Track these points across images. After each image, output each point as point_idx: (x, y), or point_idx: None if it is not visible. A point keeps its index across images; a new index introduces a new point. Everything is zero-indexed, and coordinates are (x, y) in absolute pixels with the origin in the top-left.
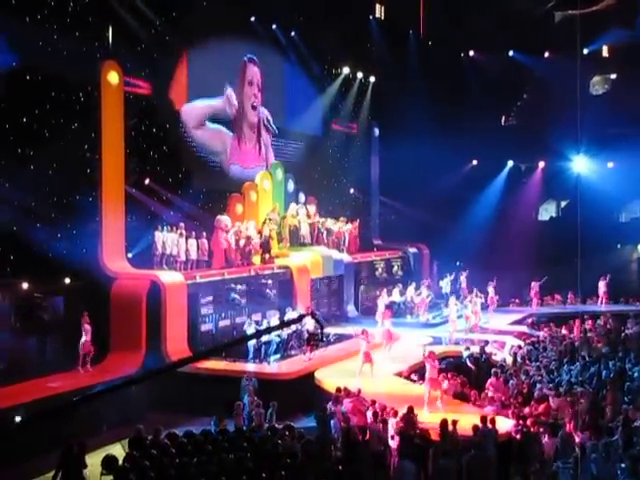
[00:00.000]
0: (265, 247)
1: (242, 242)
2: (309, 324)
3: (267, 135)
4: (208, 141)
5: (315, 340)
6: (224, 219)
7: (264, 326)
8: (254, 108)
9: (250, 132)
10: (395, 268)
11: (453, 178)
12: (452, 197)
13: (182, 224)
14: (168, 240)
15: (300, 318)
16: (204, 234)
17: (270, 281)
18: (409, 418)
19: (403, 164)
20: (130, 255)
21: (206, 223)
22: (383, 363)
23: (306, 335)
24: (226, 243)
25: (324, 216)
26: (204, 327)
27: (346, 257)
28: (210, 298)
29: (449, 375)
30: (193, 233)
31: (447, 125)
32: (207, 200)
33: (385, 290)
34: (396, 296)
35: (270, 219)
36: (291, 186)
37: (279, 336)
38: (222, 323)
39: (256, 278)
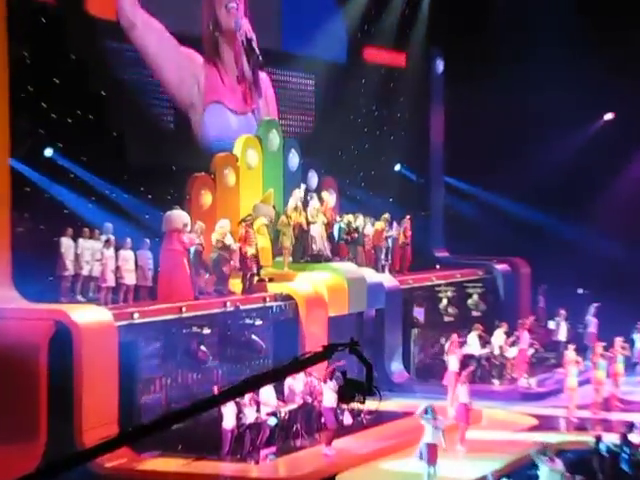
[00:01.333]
0: (247, 264)
1: (213, 256)
2: (328, 393)
3: (250, 66)
4: (175, 75)
5: (358, 393)
6: (179, 217)
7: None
8: (232, 17)
9: (230, 58)
10: (473, 299)
11: (571, 144)
12: (570, 177)
13: (109, 225)
14: (85, 253)
15: (328, 353)
16: (147, 243)
17: (259, 321)
18: None
19: (485, 121)
20: (24, 279)
21: (151, 224)
22: (454, 460)
23: (330, 404)
24: (184, 257)
25: (351, 211)
26: (147, 399)
27: (389, 280)
28: (157, 350)
29: None
30: (128, 241)
31: (560, 54)
32: (153, 184)
33: (457, 337)
34: (475, 346)
35: (257, 216)
36: (295, 160)
37: (274, 415)
38: (177, 393)
39: (235, 316)
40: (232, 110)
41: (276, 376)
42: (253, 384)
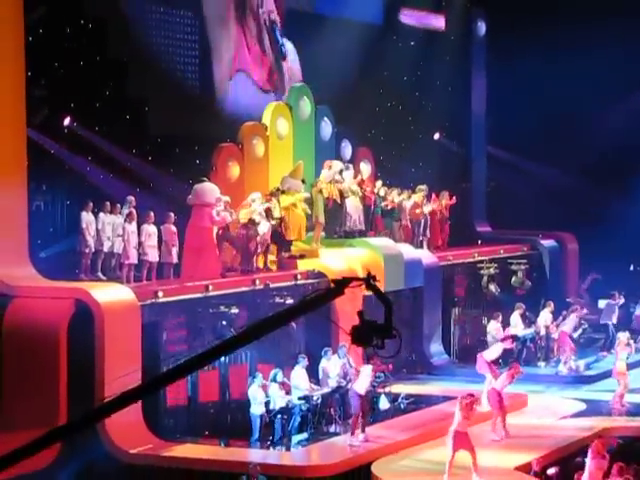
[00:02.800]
0: (279, 239)
1: (241, 232)
2: (363, 378)
3: (273, 52)
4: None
5: (375, 336)
6: (212, 191)
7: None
8: None
9: (253, 23)
10: (517, 276)
11: (626, 111)
12: (622, 146)
13: (131, 199)
14: (106, 228)
15: (339, 288)
16: (172, 217)
17: (290, 300)
18: None
19: (531, 88)
20: (43, 255)
21: (175, 197)
22: (496, 448)
23: (361, 389)
24: (213, 234)
25: (388, 184)
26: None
27: (427, 256)
28: (183, 332)
29: (615, 469)
30: (152, 215)
31: (613, 11)
32: (176, 154)
33: (500, 316)
34: (518, 327)
35: (284, 190)
36: (328, 129)
37: (306, 399)
38: (205, 376)
39: (265, 295)
40: (256, 83)
41: (284, 319)
42: (261, 329)
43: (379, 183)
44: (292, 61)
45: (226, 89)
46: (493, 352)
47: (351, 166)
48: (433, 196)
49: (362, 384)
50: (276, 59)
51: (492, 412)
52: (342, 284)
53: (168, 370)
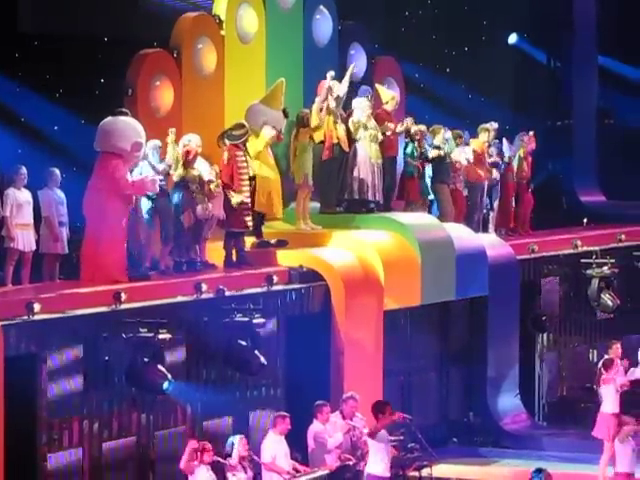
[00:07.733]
0: (237, 215)
1: (175, 197)
2: (378, 453)
3: None
4: None
5: None
6: (130, 129)
7: None
8: None
9: None
10: None
11: None
12: None
13: None
14: None
15: None
16: (57, 176)
17: (260, 319)
18: None
19: None
20: None
21: (64, 140)
22: None
23: (378, 470)
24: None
25: (427, 122)
26: (56, 457)
27: (496, 244)
28: (75, 369)
29: None
30: (23, 173)
31: None
32: (66, 68)
33: (619, 348)
34: None
35: (255, 128)
36: (326, 26)
37: None
38: (111, 445)
39: (217, 309)
40: None
41: None
42: None
43: (410, 120)
44: None
45: None
46: (609, 402)
47: (369, 91)
48: (505, 142)
49: (378, 462)
50: None
51: None
52: None
53: None
